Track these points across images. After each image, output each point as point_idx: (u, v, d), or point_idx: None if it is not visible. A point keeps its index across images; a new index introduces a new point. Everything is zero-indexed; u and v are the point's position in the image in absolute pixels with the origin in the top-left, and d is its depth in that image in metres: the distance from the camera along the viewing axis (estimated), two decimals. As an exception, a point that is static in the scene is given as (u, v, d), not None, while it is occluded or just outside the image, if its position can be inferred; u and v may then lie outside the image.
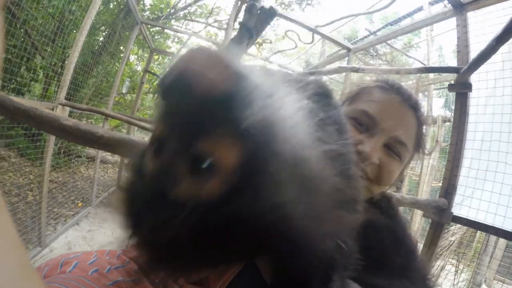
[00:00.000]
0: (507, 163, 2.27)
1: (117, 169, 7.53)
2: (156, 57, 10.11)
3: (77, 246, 4.08)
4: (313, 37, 5.50)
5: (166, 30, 9.62)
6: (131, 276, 0.61)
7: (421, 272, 0.70)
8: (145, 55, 10.14)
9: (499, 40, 1.84)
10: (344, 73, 4.80)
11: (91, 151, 7.05)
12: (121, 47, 6.87)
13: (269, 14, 1.63)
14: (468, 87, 2.43)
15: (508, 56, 2.31)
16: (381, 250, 0.52)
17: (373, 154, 0.75)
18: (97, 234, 4.58)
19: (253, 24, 1.59)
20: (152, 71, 8.01)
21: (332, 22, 5.13)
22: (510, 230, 2.12)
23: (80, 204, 5.27)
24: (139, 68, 10.89)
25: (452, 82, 2.61)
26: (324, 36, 4.96)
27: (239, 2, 4.06)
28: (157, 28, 9.09)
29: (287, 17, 4.29)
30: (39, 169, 5.08)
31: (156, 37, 9.65)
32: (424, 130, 0.87)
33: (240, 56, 1.61)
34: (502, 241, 5.53)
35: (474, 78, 2.46)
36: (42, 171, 3.95)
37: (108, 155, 8.18)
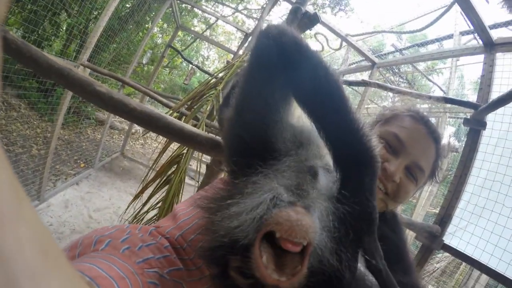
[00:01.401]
0: (505, 205, 2.32)
1: (124, 137, 7.60)
2: (179, 33, 10.11)
3: (74, 205, 4.17)
4: (341, 44, 5.51)
5: (195, 9, 9.58)
6: (162, 253, 0.66)
7: (417, 286, 0.78)
8: (169, 29, 10.14)
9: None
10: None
11: (100, 114, 7.10)
12: (147, 18, 6.87)
13: (312, 20, 1.65)
14: (483, 125, 2.47)
15: (528, 104, 2.32)
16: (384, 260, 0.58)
17: (396, 173, 0.86)
18: (95, 197, 4.66)
19: (295, 26, 1.62)
20: (175, 47, 8.01)
21: (362, 34, 5.13)
22: (494, 268, 2.19)
23: (82, 165, 5.35)
24: (159, 41, 10.95)
25: (468, 116, 2.64)
26: (353, 46, 4.97)
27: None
28: (184, 5, 9.06)
29: (321, 21, 4.30)
30: (48, 124, 5.15)
31: (183, 13, 9.62)
32: (440, 162, 0.97)
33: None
34: (484, 278, 5.61)
35: (490, 117, 2.49)
36: (51, 126, 4.00)
37: (116, 121, 8.24)
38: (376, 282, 0.56)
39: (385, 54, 6.76)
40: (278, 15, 10.70)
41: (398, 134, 0.90)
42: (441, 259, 6.20)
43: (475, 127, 2.52)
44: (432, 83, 9.84)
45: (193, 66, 7.89)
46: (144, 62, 8.66)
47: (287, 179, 0.57)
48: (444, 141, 0.96)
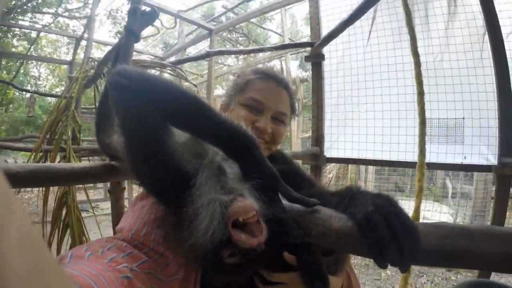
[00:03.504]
0: (360, 111, 2.96)
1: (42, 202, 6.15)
2: (3, 62, 8.28)
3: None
4: (175, 21, 5.53)
5: (12, 28, 8.00)
6: (124, 251, 0.72)
7: (324, 190, 1.00)
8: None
9: (346, 23, 2.32)
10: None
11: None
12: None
13: (152, 16, 1.66)
14: (322, 57, 2.95)
15: (353, 30, 2.89)
16: (290, 186, 0.79)
17: (267, 127, 1.09)
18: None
19: (137, 26, 1.61)
20: (3, 80, 6.64)
21: (195, 7, 5.23)
22: (373, 158, 2.82)
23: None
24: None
25: (307, 53, 3.10)
26: (188, 21, 5.06)
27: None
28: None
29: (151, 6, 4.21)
30: None
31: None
32: (294, 100, 1.25)
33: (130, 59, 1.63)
34: (371, 168, 7.16)
35: (326, 48, 3.00)
36: None
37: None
38: (301, 206, 0.78)
39: (218, 17, 7.05)
40: (104, 7, 9.75)
41: (255, 97, 1.11)
42: (331, 170, 7.53)
43: (316, 61, 2.99)
44: (267, 31, 10.84)
45: (31, 93, 6.74)
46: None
47: (214, 188, 0.74)
48: (292, 76, 1.21)
